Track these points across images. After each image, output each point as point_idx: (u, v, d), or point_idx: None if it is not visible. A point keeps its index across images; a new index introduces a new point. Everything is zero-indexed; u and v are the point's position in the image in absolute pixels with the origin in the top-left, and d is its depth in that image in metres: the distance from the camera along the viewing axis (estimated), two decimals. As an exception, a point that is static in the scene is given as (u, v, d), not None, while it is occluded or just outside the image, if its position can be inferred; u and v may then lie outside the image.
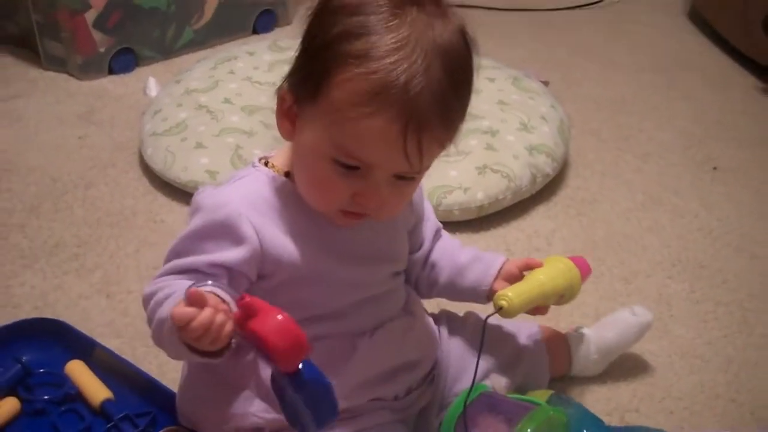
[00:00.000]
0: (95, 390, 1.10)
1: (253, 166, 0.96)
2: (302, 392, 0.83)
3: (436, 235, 1.11)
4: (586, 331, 1.21)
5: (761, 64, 2.14)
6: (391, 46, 0.82)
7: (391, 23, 0.83)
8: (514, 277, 1.06)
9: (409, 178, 0.89)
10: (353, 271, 0.95)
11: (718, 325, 1.34)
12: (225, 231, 0.89)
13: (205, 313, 0.79)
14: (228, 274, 0.90)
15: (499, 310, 0.99)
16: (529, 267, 1.07)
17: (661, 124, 1.93)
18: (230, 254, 0.89)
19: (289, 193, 0.93)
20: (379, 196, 0.87)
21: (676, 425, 1.15)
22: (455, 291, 1.10)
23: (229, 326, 0.81)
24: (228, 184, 0.95)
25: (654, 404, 1.19)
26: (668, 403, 1.19)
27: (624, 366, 1.24)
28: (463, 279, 1.09)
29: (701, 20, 2.43)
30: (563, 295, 1.07)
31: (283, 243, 0.91)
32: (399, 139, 0.82)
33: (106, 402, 1.09)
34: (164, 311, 0.86)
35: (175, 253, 0.92)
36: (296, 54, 0.90)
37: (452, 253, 1.10)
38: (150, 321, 0.90)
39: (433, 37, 0.83)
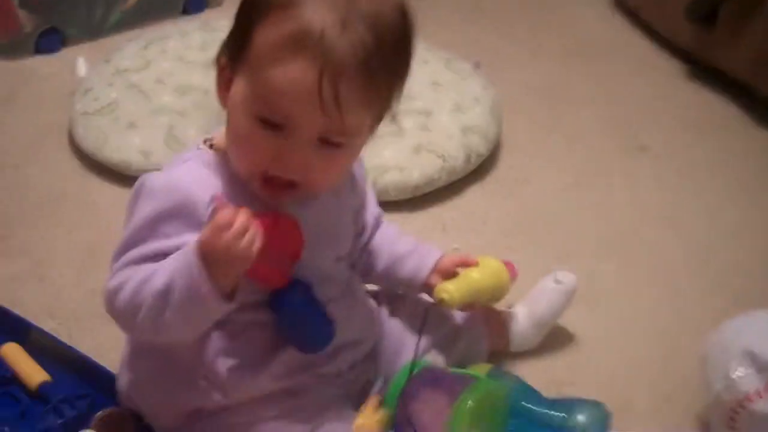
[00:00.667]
0: (32, 373, 1.09)
1: (198, 148, 0.95)
2: (291, 311, 0.90)
3: (377, 222, 1.12)
4: (518, 307, 1.24)
5: (683, 48, 2.19)
6: (317, 2, 0.82)
7: None
8: (449, 273, 1.09)
9: (335, 143, 0.87)
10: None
11: (648, 299, 1.38)
12: (183, 213, 0.88)
13: (243, 215, 0.81)
14: None
15: (440, 302, 1.03)
16: (465, 264, 1.10)
17: (589, 106, 1.97)
18: (191, 238, 0.86)
19: (233, 173, 0.92)
20: (302, 157, 0.86)
21: (611, 395, 1.17)
22: (390, 280, 1.12)
23: (258, 241, 0.82)
24: (175, 167, 0.94)
25: (588, 376, 1.22)
26: (602, 376, 1.22)
27: (559, 340, 1.27)
28: (400, 269, 1.10)
29: (624, 5, 2.48)
30: (493, 296, 1.12)
31: None
32: (314, 86, 0.81)
33: (44, 385, 1.07)
34: (158, 282, 0.85)
35: (132, 243, 0.90)
36: (233, 20, 0.90)
37: (391, 241, 1.11)
38: (134, 307, 0.87)
39: (365, 2, 0.84)
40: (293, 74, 0.82)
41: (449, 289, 1.03)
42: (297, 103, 0.83)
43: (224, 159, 0.93)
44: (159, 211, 0.88)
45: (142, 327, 0.88)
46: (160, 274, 0.85)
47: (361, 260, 1.10)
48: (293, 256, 0.90)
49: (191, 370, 0.95)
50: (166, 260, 0.86)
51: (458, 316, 1.16)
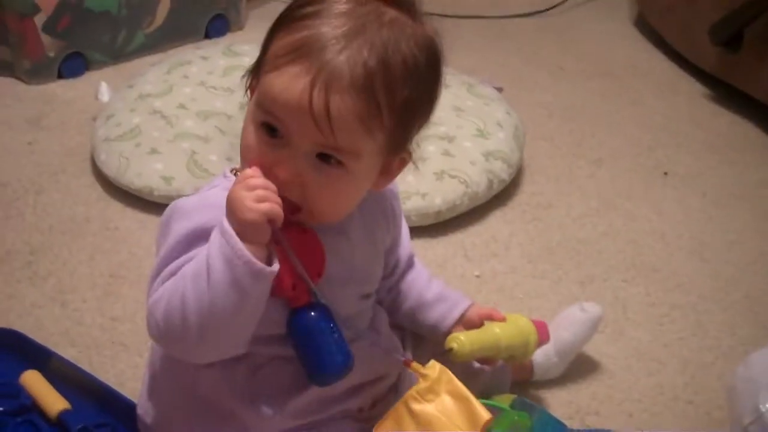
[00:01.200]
0: (52, 401, 1.08)
1: (224, 176, 0.94)
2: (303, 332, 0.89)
3: (408, 263, 1.10)
4: (542, 335, 1.23)
5: (706, 71, 2.18)
6: (334, 20, 0.83)
7: (344, 7, 0.84)
8: (474, 326, 1.08)
9: (333, 161, 0.84)
10: (321, 289, 0.91)
11: (674, 328, 1.36)
12: (209, 232, 0.86)
13: (264, 180, 0.83)
14: None
15: (449, 351, 1.01)
16: (491, 318, 1.09)
17: (612, 130, 1.96)
18: None
19: None
20: (294, 166, 0.84)
21: (636, 427, 1.16)
22: (414, 323, 1.11)
23: (280, 211, 0.82)
24: (204, 192, 0.93)
25: (613, 407, 1.20)
26: (627, 406, 1.21)
27: (583, 369, 1.25)
28: (425, 316, 1.09)
29: (648, 28, 2.47)
30: (514, 355, 1.10)
31: None
32: (306, 94, 0.80)
33: (64, 413, 1.06)
34: (192, 268, 0.84)
35: (168, 261, 0.88)
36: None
37: (421, 286, 1.10)
38: (175, 308, 0.84)
39: (376, 30, 0.83)
40: (287, 78, 0.82)
41: (460, 339, 1.01)
42: (289, 109, 0.82)
43: None
44: (192, 229, 0.87)
45: (188, 331, 0.84)
46: (193, 262, 0.85)
47: (388, 298, 1.09)
48: (316, 273, 0.89)
49: (212, 403, 0.94)
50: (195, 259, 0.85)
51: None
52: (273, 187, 0.83)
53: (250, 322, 0.86)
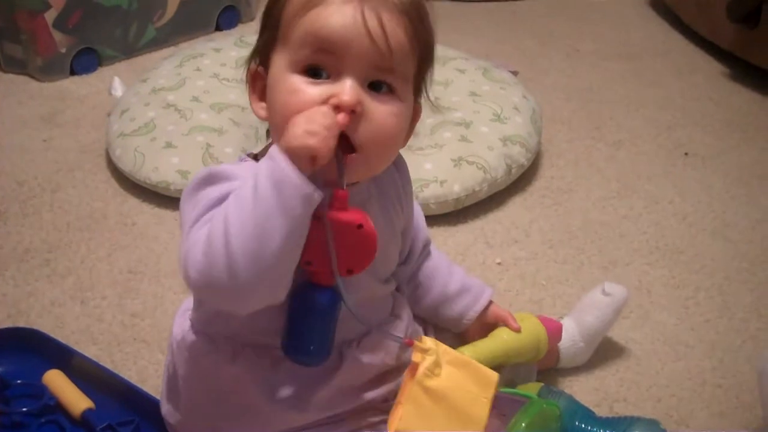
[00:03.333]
0: (75, 400, 1.07)
1: (240, 160, 0.93)
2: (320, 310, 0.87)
3: (425, 250, 1.09)
4: (566, 321, 1.21)
5: (724, 48, 2.15)
6: None
7: None
8: (489, 328, 1.10)
9: (385, 90, 0.85)
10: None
11: (699, 311, 1.34)
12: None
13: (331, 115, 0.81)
14: None
15: None
16: (506, 324, 1.10)
17: (630, 111, 1.94)
18: None
19: None
20: (354, 95, 0.82)
21: (665, 413, 1.14)
22: (436, 316, 1.11)
23: (325, 152, 0.80)
24: (233, 164, 0.92)
25: (641, 392, 1.18)
26: (655, 391, 1.19)
27: (609, 355, 1.24)
28: (449, 308, 1.10)
29: (663, 7, 2.44)
30: (527, 355, 1.11)
31: None
32: (358, 14, 0.82)
33: (87, 412, 1.06)
34: (239, 192, 0.81)
35: (200, 215, 0.84)
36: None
37: (442, 277, 1.10)
38: (217, 240, 0.79)
39: None
40: (335, 8, 0.82)
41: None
42: (343, 35, 0.82)
43: None
44: (228, 191, 0.84)
45: (231, 258, 0.79)
46: (236, 191, 0.82)
47: (407, 291, 1.08)
48: (358, 264, 0.86)
49: (235, 399, 0.93)
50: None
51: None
52: (335, 127, 0.81)
53: (294, 252, 0.82)
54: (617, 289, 1.22)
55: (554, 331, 1.15)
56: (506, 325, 1.10)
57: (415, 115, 0.92)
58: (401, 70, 0.85)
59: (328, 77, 0.83)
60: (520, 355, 1.09)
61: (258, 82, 0.89)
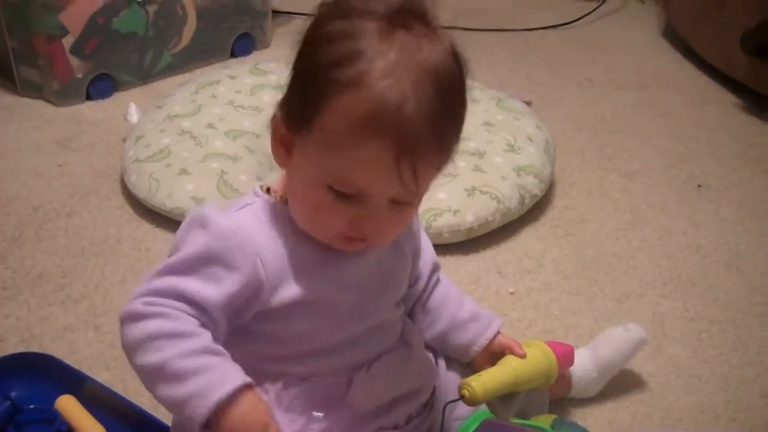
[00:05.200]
0: (87, 425, 1.07)
1: (255, 194, 0.94)
2: None
3: (433, 275, 1.10)
4: (581, 350, 1.21)
5: (738, 80, 2.15)
6: (381, 72, 0.80)
7: (381, 47, 0.82)
8: (496, 357, 1.08)
9: (406, 202, 0.87)
10: (357, 300, 0.93)
11: (713, 344, 1.34)
12: (231, 262, 0.87)
13: None
14: (228, 308, 0.88)
15: (462, 398, 1.01)
16: (512, 352, 1.08)
17: (643, 142, 1.94)
18: (232, 288, 0.86)
19: (291, 219, 0.91)
20: (377, 220, 0.86)
21: (679, 447, 1.14)
22: (445, 345, 1.10)
23: None
24: (233, 211, 0.93)
25: (655, 425, 1.18)
26: (669, 424, 1.18)
27: (622, 387, 1.23)
28: (458, 336, 1.09)
29: (676, 37, 2.45)
30: (536, 382, 1.09)
31: (288, 274, 0.89)
32: (393, 166, 0.81)
33: (100, 438, 1.06)
34: (176, 368, 0.85)
35: (171, 269, 0.88)
36: (287, 83, 0.88)
37: (453, 306, 1.10)
38: (139, 344, 0.86)
39: (423, 60, 0.82)
40: (371, 155, 0.81)
41: (471, 386, 1.00)
42: (375, 180, 0.83)
43: (285, 206, 0.92)
44: (207, 251, 0.86)
45: (136, 368, 0.89)
46: (182, 366, 0.85)
47: (418, 318, 1.08)
48: None
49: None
50: (197, 360, 0.85)
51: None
52: None
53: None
54: (638, 329, 1.23)
55: (565, 355, 1.13)
56: (512, 352, 1.09)
57: None
58: (424, 190, 0.88)
59: (355, 197, 0.85)
60: (530, 381, 1.08)
61: (282, 134, 0.89)
